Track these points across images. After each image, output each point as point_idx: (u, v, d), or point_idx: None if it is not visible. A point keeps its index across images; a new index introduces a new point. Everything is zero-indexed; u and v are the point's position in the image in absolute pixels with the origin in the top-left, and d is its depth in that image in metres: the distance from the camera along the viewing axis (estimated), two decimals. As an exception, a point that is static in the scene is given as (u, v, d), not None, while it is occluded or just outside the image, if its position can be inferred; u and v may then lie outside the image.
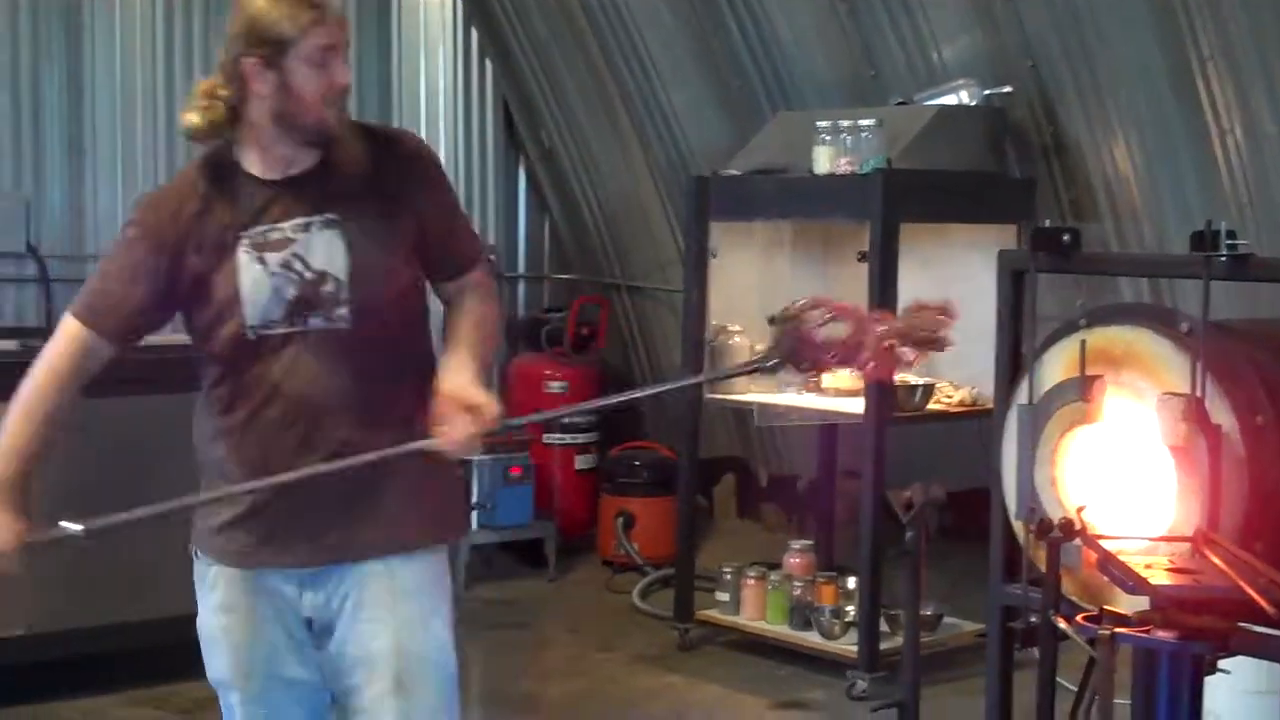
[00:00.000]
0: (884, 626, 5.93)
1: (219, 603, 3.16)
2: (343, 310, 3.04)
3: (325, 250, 3.04)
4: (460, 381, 2.99)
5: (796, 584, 6.33)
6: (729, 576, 6.50)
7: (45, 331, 6.31)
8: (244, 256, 3.03)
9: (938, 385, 6.21)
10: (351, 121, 3.15)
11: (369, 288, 3.05)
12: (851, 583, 6.21)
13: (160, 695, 5.74)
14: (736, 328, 6.48)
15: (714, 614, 6.51)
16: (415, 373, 3.10)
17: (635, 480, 7.84)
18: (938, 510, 3.88)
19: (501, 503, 7.49)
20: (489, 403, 2.95)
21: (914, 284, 6.04)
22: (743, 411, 6.97)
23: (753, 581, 6.41)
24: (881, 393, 5.76)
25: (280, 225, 3.05)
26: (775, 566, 6.49)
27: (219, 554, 3.16)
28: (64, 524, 2.99)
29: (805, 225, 6.62)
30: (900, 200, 5.85)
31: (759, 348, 6.47)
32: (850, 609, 6.13)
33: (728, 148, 6.98)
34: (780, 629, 6.31)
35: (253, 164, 3.07)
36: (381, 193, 3.10)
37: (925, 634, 5.49)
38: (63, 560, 5.54)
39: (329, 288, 3.04)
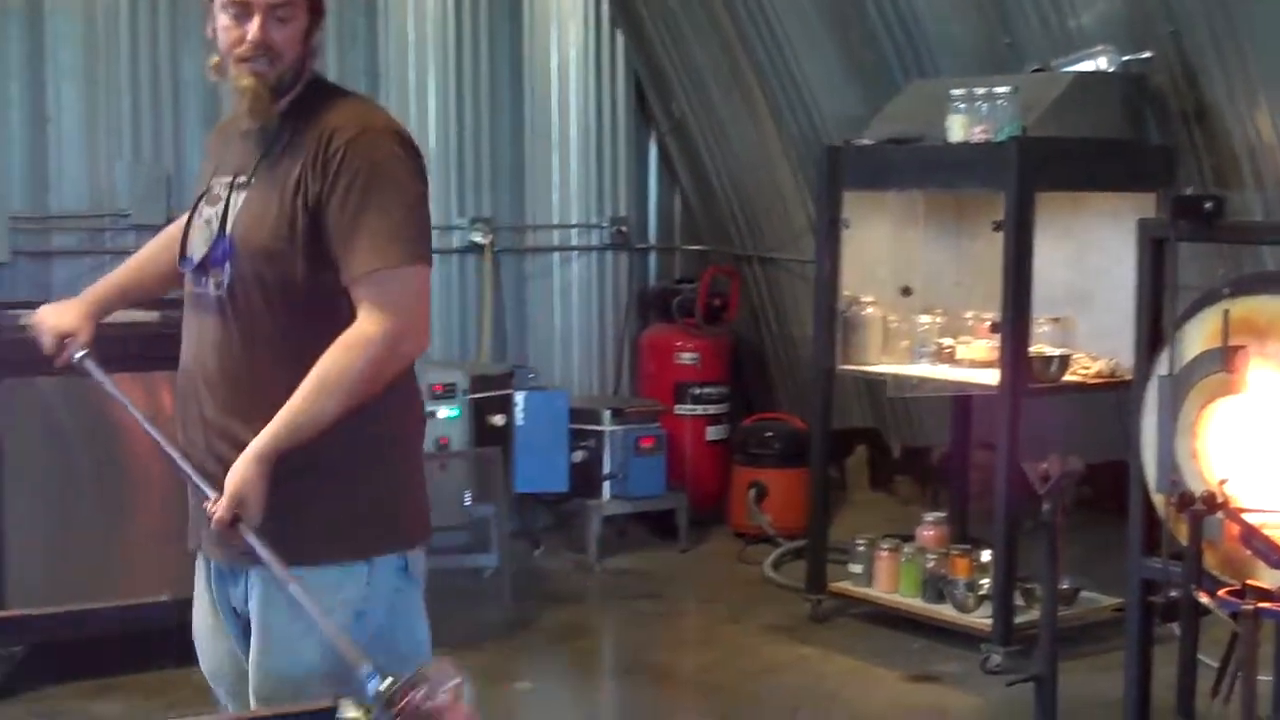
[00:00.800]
0: (1019, 600, 5.88)
1: (195, 595, 3.19)
2: (223, 278, 2.94)
3: (233, 213, 2.98)
4: (245, 455, 2.84)
5: (930, 556, 6.29)
6: (862, 548, 6.48)
7: (182, 303, 6.48)
8: (201, 205, 3.08)
9: (1075, 356, 6.13)
10: (319, 88, 3.03)
11: (246, 260, 2.92)
12: (986, 556, 6.16)
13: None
14: (869, 299, 6.45)
15: (846, 586, 6.49)
16: (294, 368, 2.86)
17: (767, 451, 7.83)
18: (1075, 483, 3.84)
19: (634, 473, 7.52)
20: (234, 498, 2.80)
21: (1051, 253, 5.98)
22: (875, 382, 6.93)
23: (886, 553, 6.39)
24: (1017, 363, 5.71)
25: (221, 179, 3.05)
26: (908, 539, 6.45)
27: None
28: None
29: (939, 195, 6.55)
30: (1036, 168, 5.78)
31: (892, 319, 6.44)
32: (984, 582, 6.08)
33: (860, 117, 6.93)
34: (914, 601, 6.28)
35: (240, 107, 3.02)
36: (297, 169, 2.92)
37: (1062, 608, 5.42)
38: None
39: (217, 251, 2.97)
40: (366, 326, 2.83)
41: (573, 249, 8.31)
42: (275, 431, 2.82)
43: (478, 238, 7.84)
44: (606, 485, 7.50)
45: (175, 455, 2.96)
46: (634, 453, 7.53)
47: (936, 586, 6.20)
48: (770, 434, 7.88)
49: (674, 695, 5.86)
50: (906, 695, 5.64)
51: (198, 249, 2.99)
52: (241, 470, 2.81)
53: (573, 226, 8.30)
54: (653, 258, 8.69)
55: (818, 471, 6.66)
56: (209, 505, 2.83)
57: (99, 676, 5.28)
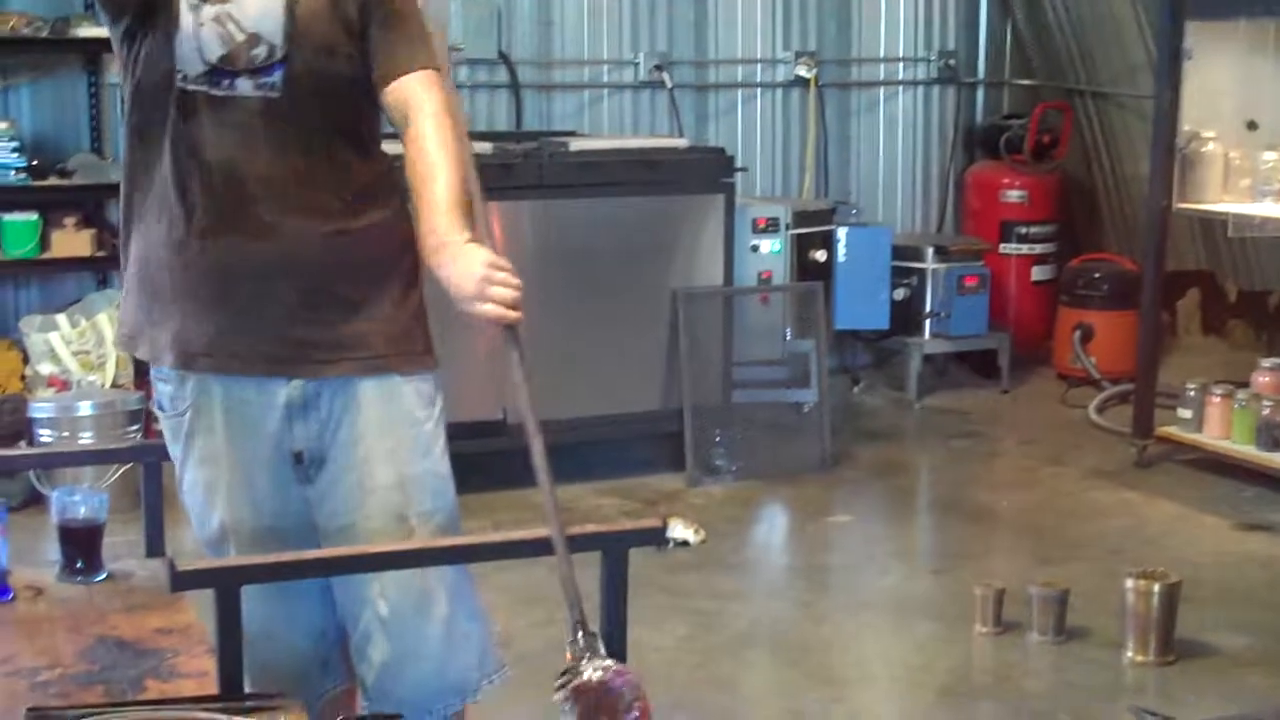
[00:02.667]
0: (1360, 451, 5.65)
1: (201, 456, 2.79)
2: (273, 79, 2.69)
3: (259, 9, 2.69)
4: (466, 246, 2.62)
5: (1266, 403, 6.07)
6: (1192, 393, 6.29)
7: (516, 135, 6.62)
8: (184, 3, 2.68)
9: None
10: None
11: (309, 54, 2.70)
12: (1326, 404, 5.92)
13: (627, 487, 6.00)
14: (1210, 134, 6.19)
15: (1174, 431, 6.32)
16: (350, 161, 2.76)
17: (1095, 293, 7.64)
18: None
19: (956, 312, 7.43)
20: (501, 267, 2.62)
21: None
22: (1212, 222, 6.68)
23: (1218, 399, 6.19)
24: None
25: None
26: (1242, 385, 6.23)
27: (205, 366, 2.74)
28: None
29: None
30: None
31: (1234, 156, 6.17)
32: (1323, 431, 5.85)
33: (1207, -58, 6.59)
34: (1246, 449, 6.08)
35: None
36: None
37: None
38: (539, 358, 5.89)
39: (259, 51, 2.68)
40: (452, 109, 2.75)
41: (899, 83, 8.16)
42: (464, 220, 2.66)
43: (802, 71, 7.76)
44: (928, 324, 7.44)
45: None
46: (957, 291, 7.43)
47: (1271, 434, 5.99)
48: (1098, 275, 7.68)
49: (991, 534, 5.82)
50: (1234, 544, 5.49)
51: (213, 49, 2.66)
52: (481, 256, 2.62)
53: (899, 60, 8.14)
54: (981, 92, 8.48)
55: (1148, 313, 6.47)
56: (485, 307, 2.60)
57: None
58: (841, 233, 7.06)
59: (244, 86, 2.67)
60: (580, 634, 2.32)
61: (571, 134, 6.76)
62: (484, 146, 5.94)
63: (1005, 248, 7.86)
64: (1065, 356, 7.69)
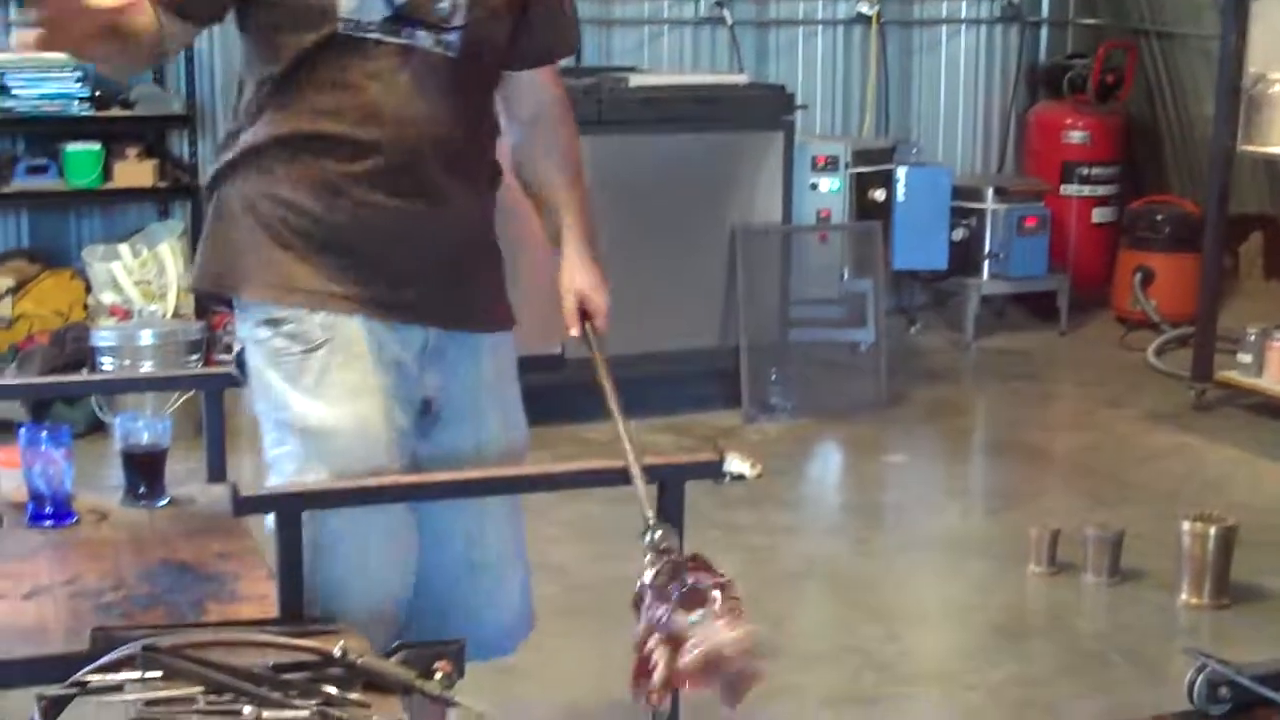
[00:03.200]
0: None
1: (349, 389, 2.58)
2: (452, 37, 2.56)
3: None
4: (586, 257, 2.85)
5: (1327, 348, 6.02)
6: (1253, 338, 6.23)
7: (576, 70, 6.58)
8: None
9: None
10: None
11: (485, 17, 2.60)
12: (1389, 350, 5.86)
13: (682, 424, 6.01)
14: (1277, 76, 6.10)
15: (1234, 376, 6.27)
16: (492, 131, 2.75)
17: (1156, 235, 7.57)
18: None
19: (1015, 253, 7.39)
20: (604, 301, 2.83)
21: None
22: (1277, 165, 6.61)
23: (1279, 344, 6.14)
24: None
25: None
26: (1305, 329, 6.19)
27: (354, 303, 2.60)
28: None
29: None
30: None
31: None
32: (1386, 377, 5.80)
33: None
34: (1306, 394, 6.05)
35: None
36: None
37: None
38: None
39: (444, 4, 2.55)
40: (565, 94, 2.85)
41: (961, 21, 8.09)
42: (589, 223, 2.91)
43: (864, 9, 7.71)
44: (986, 264, 7.41)
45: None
46: (1016, 232, 7.39)
47: (1332, 380, 5.95)
48: (1160, 217, 7.61)
49: (1047, 475, 5.82)
50: (1294, 489, 5.47)
51: None
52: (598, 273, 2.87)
53: (962, -2, 8.09)
54: (1045, 31, 8.40)
55: (1210, 257, 6.42)
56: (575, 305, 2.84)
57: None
58: (901, 172, 7.03)
59: (424, 40, 2.54)
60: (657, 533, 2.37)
61: (631, 70, 6.74)
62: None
63: (1066, 189, 7.80)
64: (1125, 299, 7.64)
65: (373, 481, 2.51)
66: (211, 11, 2.54)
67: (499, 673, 3.70)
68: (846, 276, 6.72)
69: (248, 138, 2.59)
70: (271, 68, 2.55)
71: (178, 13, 2.46)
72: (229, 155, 2.61)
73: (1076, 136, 7.82)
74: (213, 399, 3.05)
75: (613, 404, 2.67)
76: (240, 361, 2.69)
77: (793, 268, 6.35)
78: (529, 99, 2.79)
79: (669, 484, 2.53)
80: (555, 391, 5.91)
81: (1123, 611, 4.40)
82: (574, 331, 2.82)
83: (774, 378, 6.24)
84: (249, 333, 2.61)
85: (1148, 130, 8.21)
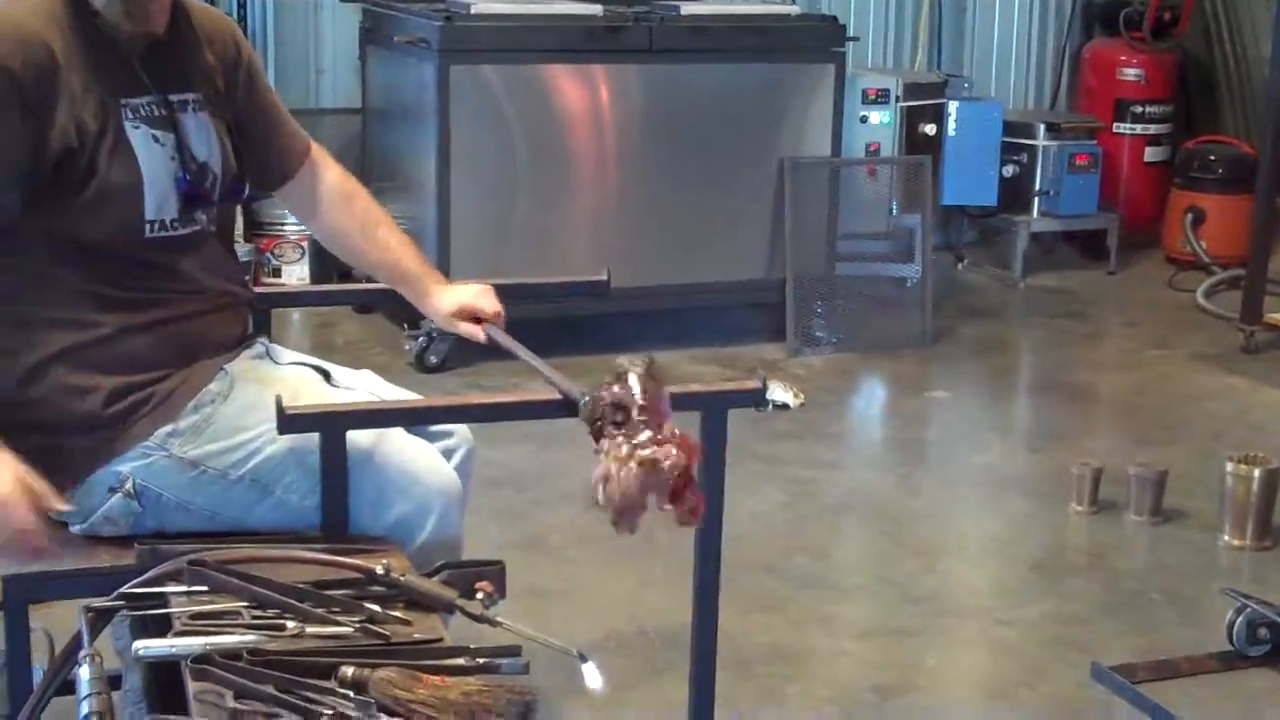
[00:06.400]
0: None
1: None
2: (212, 210, 2.62)
3: (201, 136, 2.57)
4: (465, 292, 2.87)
5: (1379, 293, 5.97)
6: (1304, 280, 6.20)
7: None
8: (137, 134, 2.47)
9: None
10: None
11: (235, 185, 2.67)
12: None
13: (726, 355, 6.01)
14: (1337, 15, 6.03)
15: (1284, 318, 6.24)
16: None
17: (1209, 176, 7.50)
18: None
19: (1066, 191, 7.33)
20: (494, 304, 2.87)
21: None
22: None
23: (1330, 287, 6.10)
24: None
25: (164, 97, 2.52)
26: (1357, 273, 6.14)
27: None
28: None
29: None
30: None
31: None
32: None
33: None
34: (1357, 338, 6.00)
35: (112, 7, 2.46)
36: (217, 75, 2.67)
37: None
38: (643, 224, 5.91)
39: (209, 182, 2.58)
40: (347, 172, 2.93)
41: (1017, -45, 8.01)
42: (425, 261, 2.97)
43: (919, -60, 7.64)
44: (1036, 201, 7.35)
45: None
46: (1067, 170, 7.33)
47: (1383, 324, 5.90)
48: (1214, 157, 7.53)
49: (1092, 413, 5.80)
50: (1340, 434, 5.44)
51: (180, 183, 2.53)
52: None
53: (1018, -69, 8.00)
54: (1101, -34, 8.30)
55: (1263, 198, 6.35)
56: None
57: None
58: (952, 107, 6.97)
59: (202, 219, 2.60)
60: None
61: (682, -2, 6.71)
62: (594, 9, 5.92)
63: (1119, 127, 7.73)
64: (1175, 239, 7.58)
65: (415, 402, 2.53)
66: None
67: (535, 597, 3.75)
68: (895, 211, 6.68)
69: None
70: (68, 263, 2.53)
71: None
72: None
73: (1131, 74, 7.74)
74: (260, 318, 3.07)
75: (529, 356, 2.69)
76: None
77: (841, 201, 6.33)
78: (316, 194, 2.87)
79: (711, 412, 2.53)
80: (604, 320, 5.95)
81: (1164, 551, 4.39)
82: (480, 338, 2.85)
83: (819, 311, 6.23)
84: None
85: (1203, 69, 8.13)
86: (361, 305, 6.14)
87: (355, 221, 2.89)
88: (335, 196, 2.88)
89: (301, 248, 6.33)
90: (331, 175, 2.89)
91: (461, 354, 5.57)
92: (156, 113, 2.51)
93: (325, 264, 6.32)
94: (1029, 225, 7.36)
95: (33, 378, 2.42)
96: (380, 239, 2.89)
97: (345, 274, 6.34)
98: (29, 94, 2.36)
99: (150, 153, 2.48)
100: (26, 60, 2.35)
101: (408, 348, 5.71)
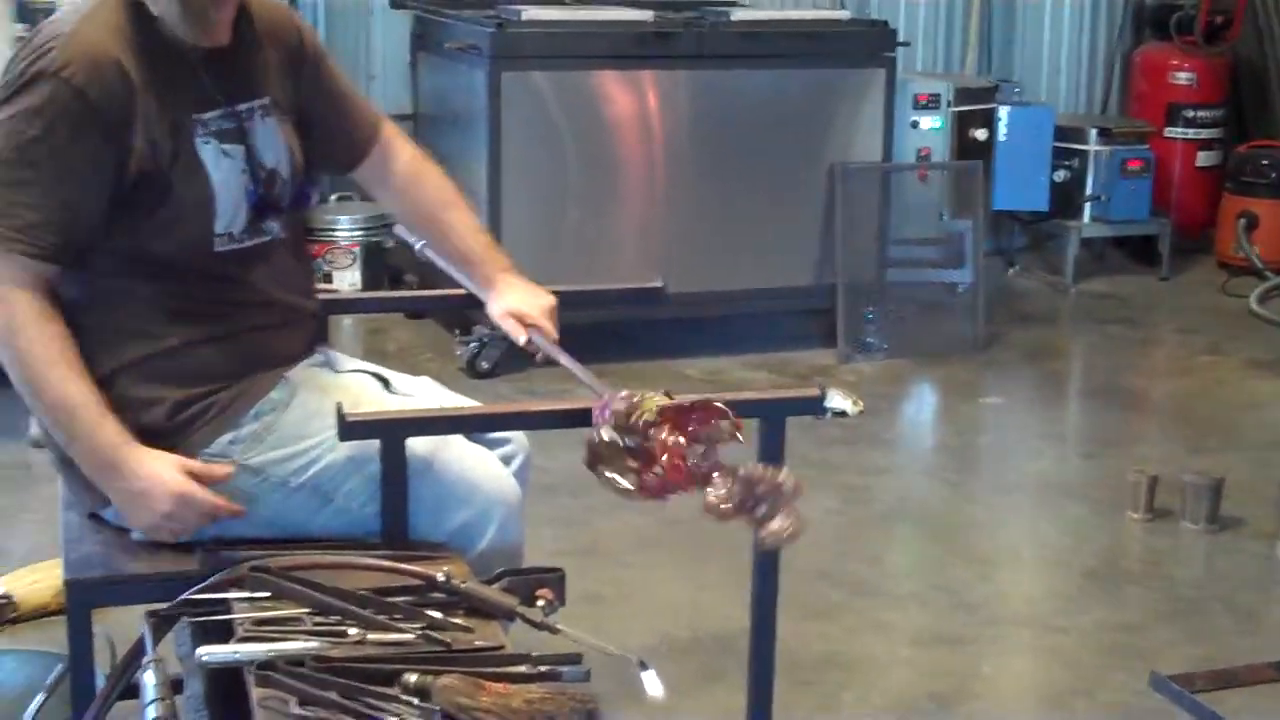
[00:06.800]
0: None
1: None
2: (282, 219, 2.62)
3: (270, 142, 2.59)
4: (526, 302, 2.84)
5: None
6: (1360, 286, 6.15)
7: (676, 3, 6.53)
8: (207, 149, 2.48)
9: None
10: None
11: (304, 190, 2.70)
12: None
13: (777, 361, 5.99)
14: (1394, 19, 5.98)
15: (1339, 324, 6.20)
16: None
17: (1262, 180, 7.45)
18: None
19: (1117, 196, 7.30)
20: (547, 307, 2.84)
21: None
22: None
23: (1387, 293, 6.04)
24: None
25: (232, 108, 2.53)
26: None
27: None
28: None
29: None
30: None
31: None
32: None
33: None
34: None
35: (177, 23, 2.46)
36: (282, 73, 2.67)
37: None
38: (693, 230, 5.90)
39: (278, 189, 2.60)
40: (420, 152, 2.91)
41: (1067, -41, 7.98)
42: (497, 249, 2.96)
43: (969, -55, 7.62)
44: (1088, 207, 7.32)
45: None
46: (1119, 175, 7.29)
47: None
48: (1266, 162, 7.48)
49: (1145, 420, 5.76)
50: (1398, 441, 5.39)
51: (250, 195, 2.54)
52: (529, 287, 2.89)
53: (1069, -65, 7.96)
54: (1155, -29, 8.25)
55: (1318, 203, 6.31)
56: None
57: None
58: (1003, 111, 6.94)
59: (273, 228, 2.60)
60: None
61: (733, 3, 6.70)
62: (645, 15, 5.92)
63: (1171, 131, 7.68)
64: (1228, 244, 7.53)
65: (476, 409, 2.53)
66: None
67: (591, 603, 3.75)
68: (946, 216, 6.66)
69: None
70: (142, 276, 2.56)
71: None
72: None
73: (1183, 78, 7.69)
74: (320, 326, 3.07)
75: (577, 369, 2.66)
76: None
77: (891, 206, 6.31)
78: (387, 174, 2.87)
79: (770, 419, 2.52)
80: (654, 326, 5.95)
81: (1220, 560, 4.36)
82: (521, 340, 2.83)
83: (870, 317, 6.21)
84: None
85: (1256, 73, 8.07)
86: (412, 311, 6.15)
87: (425, 202, 2.89)
88: (407, 176, 2.88)
89: (353, 253, 6.34)
90: (404, 155, 2.88)
91: (513, 360, 5.57)
92: (225, 125, 2.52)
93: (376, 269, 6.34)
94: (1080, 230, 7.32)
95: (100, 389, 2.41)
96: (448, 221, 2.89)
97: (396, 279, 6.39)
98: (107, 118, 2.37)
99: (220, 167, 2.49)
100: (103, 86, 2.36)
101: (459, 353, 5.72)
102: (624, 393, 2.31)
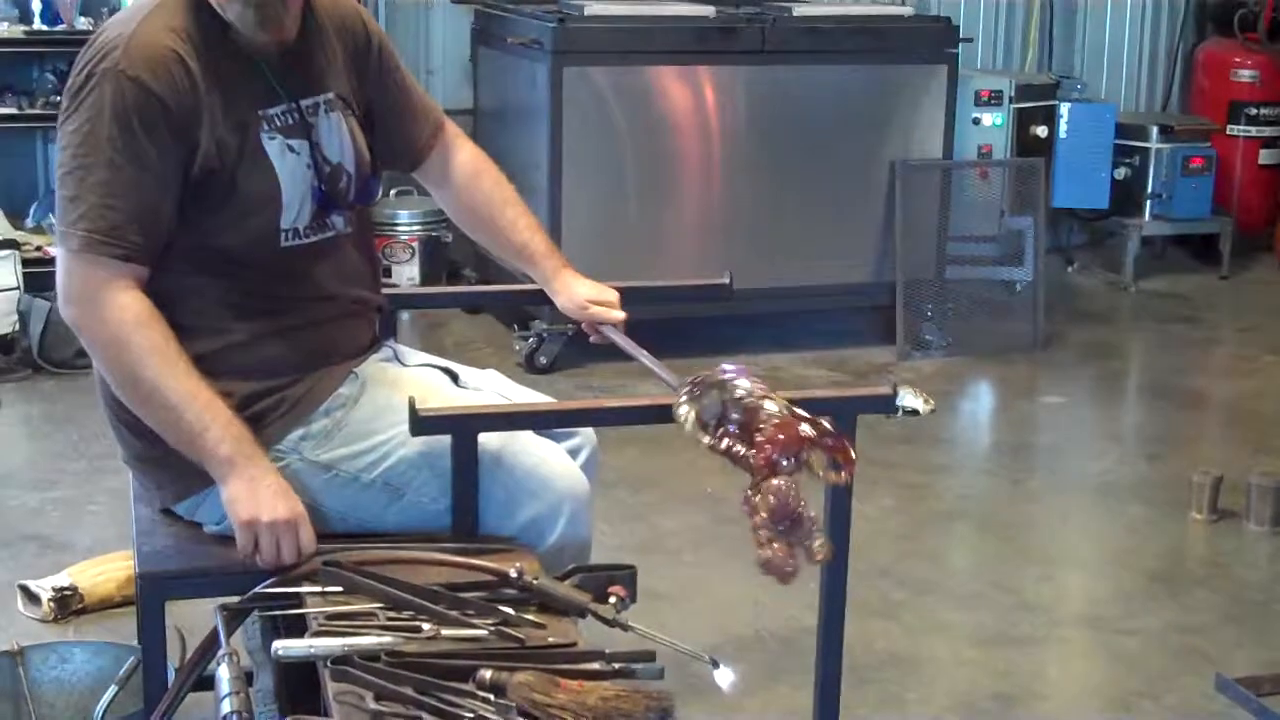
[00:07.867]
0: None
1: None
2: (347, 214, 2.63)
3: (334, 137, 2.59)
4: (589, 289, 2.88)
5: None
6: None
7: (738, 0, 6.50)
8: (273, 144, 2.50)
9: None
10: None
11: (369, 184, 2.68)
12: None
13: (835, 358, 5.99)
14: None
15: (1405, 325, 6.13)
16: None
17: (1326, 179, 7.40)
18: None
19: (1178, 194, 7.24)
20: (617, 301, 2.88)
21: None
22: None
23: None
24: None
25: (296, 104, 2.54)
26: None
27: None
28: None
29: None
30: None
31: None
32: None
33: None
34: None
35: (251, 29, 2.46)
36: (348, 67, 2.68)
37: None
38: (753, 226, 5.89)
39: (343, 183, 2.61)
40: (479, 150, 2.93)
41: (1130, -45, 7.91)
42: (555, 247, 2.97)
43: (1031, -59, 7.58)
44: (1148, 204, 7.26)
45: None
46: (1180, 172, 7.23)
47: None
48: (1331, 160, 7.43)
49: (1207, 420, 5.72)
50: None
51: (315, 190, 2.55)
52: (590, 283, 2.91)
53: (1132, -69, 7.89)
54: (1216, -33, 8.18)
55: (1384, 202, 6.25)
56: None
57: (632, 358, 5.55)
58: (1064, 108, 6.90)
59: (338, 223, 2.62)
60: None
61: None
62: (707, 10, 5.91)
63: (1233, 129, 7.62)
64: (1291, 243, 7.48)
65: (547, 405, 2.53)
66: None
67: (651, 599, 3.71)
68: (1005, 214, 6.62)
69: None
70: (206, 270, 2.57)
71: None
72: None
73: (1245, 75, 7.62)
74: (386, 320, 3.08)
75: (653, 363, 2.67)
76: None
77: (952, 203, 6.28)
78: (448, 172, 2.89)
79: (840, 416, 2.50)
80: (713, 322, 5.94)
81: (1286, 562, 4.32)
82: (594, 339, 2.89)
83: (929, 314, 6.18)
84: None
85: (1321, 70, 7.98)
86: (470, 305, 6.16)
87: (484, 200, 2.90)
88: (466, 175, 2.89)
89: (412, 248, 6.36)
90: (463, 154, 2.90)
91: (571, 355, 5.58)
92: (291, 121, 2.53)
93: (436, 264, 6.35)
94: (1141, 228, 7.27)
95: None
96: (509, 218, 2.90)
97: (454, 274, 6.41)
98: (175, 115, 2.39)
99: (285, 163, 2.50)
100: (169, 83, 2.38)
101: (517, 348, 5.73)
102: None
